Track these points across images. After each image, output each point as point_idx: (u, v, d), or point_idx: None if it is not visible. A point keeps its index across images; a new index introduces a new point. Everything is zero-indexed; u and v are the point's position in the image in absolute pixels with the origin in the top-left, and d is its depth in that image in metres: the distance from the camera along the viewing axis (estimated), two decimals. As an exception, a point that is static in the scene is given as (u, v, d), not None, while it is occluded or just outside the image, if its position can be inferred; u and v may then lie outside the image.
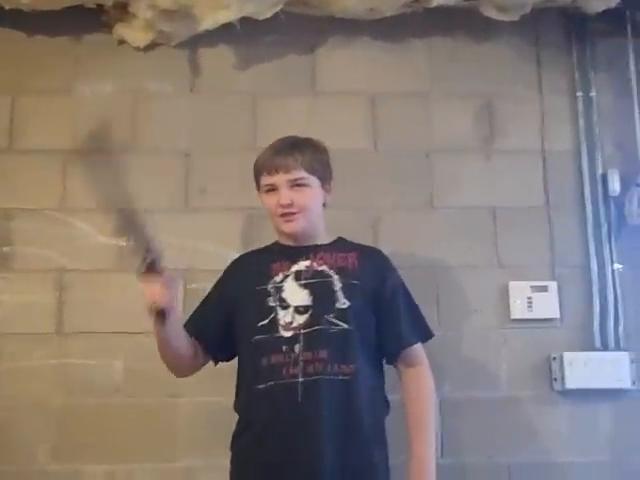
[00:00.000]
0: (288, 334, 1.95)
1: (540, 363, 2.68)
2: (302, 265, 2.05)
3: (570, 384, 2.60)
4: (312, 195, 2.07)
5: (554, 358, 2.65)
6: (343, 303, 1.99)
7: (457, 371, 2.66)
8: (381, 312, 2.04)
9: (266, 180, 2.08)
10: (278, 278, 2.03)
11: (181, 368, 2.10)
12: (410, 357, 2.07)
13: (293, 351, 1.93)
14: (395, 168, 2.83)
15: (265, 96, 2.87)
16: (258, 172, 2.12)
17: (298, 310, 1.97)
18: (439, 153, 2.86)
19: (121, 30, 2.83)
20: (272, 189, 2.06)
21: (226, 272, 2.20)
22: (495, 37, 2.95)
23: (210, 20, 2.71)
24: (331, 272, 2.03)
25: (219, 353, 2.13)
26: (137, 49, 2.85)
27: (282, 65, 2.90)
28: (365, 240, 2.59)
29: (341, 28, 2.90)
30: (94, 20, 2.82)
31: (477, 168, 2.86)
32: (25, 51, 2.84)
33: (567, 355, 2.62)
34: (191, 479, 2.52)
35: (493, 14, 2.83)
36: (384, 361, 2.11)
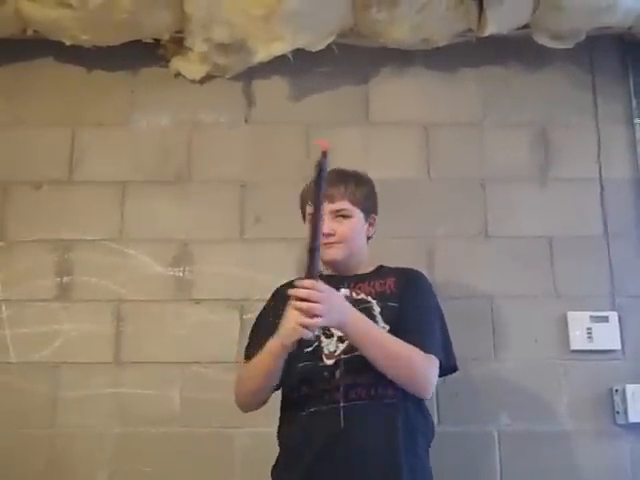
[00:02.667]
0: (330, 362, 1.95)
1: (601, 396, 2.62)
2: (342, 294, 2.03)
3: (633, 417, 2.54)
4: (354, 226, 2.09)
5: (616, 390, 2.59)
6: (382, 327, 1.97)
7: (515, 403, 2.62)
8: (407, 313, 2.00)
9: (310, 210, 2.04)
10: None
11: (258, 400, 2.05)
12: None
13: (334, 377, 1.93)
14: (449, 197, 2.82)
15: (319, 126, 2.88)
16: (304, 202, 2.14)
17: (341, 339, 1.96)
18: (493, 182, 2.84)
19: (177, 63, 2.89)
20: None
21: (272, 301, 2.18)
22: (549, 65, 2.93)
23: (264, 52, 2.75)
24: (369, 298, 2.03)
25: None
26: (193, 81, 2.90)
27: (335, 96, 2.92)
28: (420, 269, 2.59)
29: (394, 58, 2.92)
30: (151, 54, 2.89)
31: (532, 197, 2.83)
32: (84, 85, 2.91)
33: (630, 387, 2.56)
34: (247, 509, 2.53)
35: (547, 42, 2.82)
36: None
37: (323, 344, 1.97)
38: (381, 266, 2.16)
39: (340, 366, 1.93)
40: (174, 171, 2.84)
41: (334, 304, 1.82)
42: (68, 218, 2.78)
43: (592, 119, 2.90)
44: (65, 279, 2.72)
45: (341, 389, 1.91)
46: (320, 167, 1.77)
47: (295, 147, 2.86)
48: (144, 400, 2.61)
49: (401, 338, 1.92)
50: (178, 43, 2.84)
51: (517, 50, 2.91)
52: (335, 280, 2.06)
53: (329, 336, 1.98)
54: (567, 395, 2.62)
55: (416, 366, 1.91)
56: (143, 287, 2.71)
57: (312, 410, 1.92)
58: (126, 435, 2.59)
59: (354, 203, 2.09)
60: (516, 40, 2.85)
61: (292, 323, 1.78)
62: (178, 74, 2.90)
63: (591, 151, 2.87)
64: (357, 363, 1.93)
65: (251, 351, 2.05)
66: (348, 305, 1.89)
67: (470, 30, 2.80)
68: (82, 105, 2.89)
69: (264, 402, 2.05)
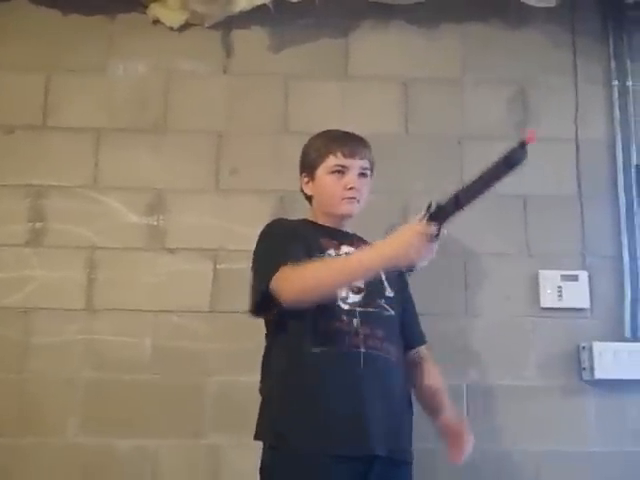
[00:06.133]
0: (345, 307, 1.98)
1: (569, 353, 2.66)
2: (349, 249, 2.08)
3: (599, 374, 2.57)
4: (369, 187, 2.16)
5: (583, 348, 2.63)
6: (390, 292, 2.07)
7: (485, 358, 2.65)
8: (406, 308, 2.16)
9: (338, 161, 2.09)
10: (331, 252, 2.05)
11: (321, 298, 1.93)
12: (425, 352, 2.21)
13: (352, 323, 1.95)
14: (426, 153, 2.82)
15: (298, 79, 2.87)
16: (327, 151, 2.11)
17: (352, 289, 1.99)
18: (471, 139, 2.84)
19: (155, 10, 2.84)
20: (340, 171, 2.09)
21: (286, 226, 2.12)
22: (530, 24, 2.92)
23: (245, 1, 2.72)
24: None
25: None
26: (171, 29, 2.86)
27: (315, 48, 2.89)
28: (394, 224, 2.60)
29: (375, 12, 2.89)
30: (129, -1, 2.84)
31: (509, 155, 2.83)
32: (60, 29, 2.86)
33: (597, 345, 2.59)
34: (217, 456, 2.54)
35: (529, 0, 2.80)
36: None
37: None
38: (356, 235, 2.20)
39: (356, 316, 1.97)
40: (150, 120, 2.81)
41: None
42: (41, 164, 2.74)
43: (571, 80, 2.90)
44: (37, 225, 2.69)
45: (361, 336, 1.94)
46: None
47: (273, 99, 2.84)
48: (116, 347, 2.61)
49: (416, 328, 2.20)
50: (157, -12, 2.81)
51: (499, 7, 2.89)
52: (338, 234, 2.11)
53: None
54: (535, 351, 2.66)
55: None
56: (117, 235, 2.69)
57: (332, 349, 1.93)
58: (97, 381, 2.59)
59: (371, 164, 2.15)
60: (498, -3, 2.84)
61: (414, 247, 1.73)
62: (156, 21, 2.85)
63: (568, 112, 2.87)
64: (373, 318, 1.99)
65: (294, 255, 1.94)
66: None
67: (453, -15, 2.79)
68: (58, 49, 2.84)
69: None
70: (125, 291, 2.65)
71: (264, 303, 1.95)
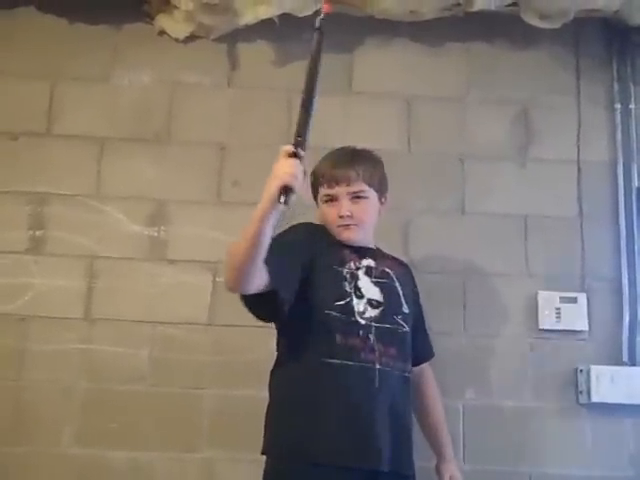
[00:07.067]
0: (362, 322, 1.99)
1: (566, 375, 2.66)
2: (370, 262, 2.11)
3: (596, 398, 2.57)
4: (370, 207, 2.14)
5: (581, 371, 2.63)
6: (406, 308, 2.11)
7: (482, 378, 2.65)
8: (416, 322, 2.18)
9: (326, 191, 2.12)
10: (352, 266, 2.07)
11: (247, 276, 1.79)
12: (429, 369, 2.33)
13: (368, 339, 1.98)
14: (428, 171, 2.83)
15: (301, 93, 2.85)
16: (317, 182, 2.15)
17: (371, 303, 2.03)
18: (473, 159, 2.85)
19: (162, 21, 2.85)
20: (331, 200, 2.11)
21: (302, 231, 2.09)
22: (535, 45, 2.93)
23: (250, 15, 2.72)
24: (394, 277, 2.13)
25: (288, 297, 1.90)
26: (176, 41, 2.86)
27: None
28: (395, 242, 2.63)
29: (380, 29, 2.90)
30: (135, 10, 2.85)
31: (511, 176, 2.84)
32: (66, 38, 2.86)
33: (594, 368, 2.60)
34: (211, 470, 2.53)
35: (534, 21, 2.81)
36: None
37: (354, 302, 2.01)
38: (378, 247, 2.22)
39: (372, 331, 1.99)
40: (154, 130, 2.81)
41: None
42: (44, 171, 2.74)
43: (574, 101, 2.91)
44: (38, 232, 2.69)
45: (376, 353, 1.97)
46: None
47: (277, 113, 2.83)
48: (113, 357, 2.60)
49: (426, 341, 2.32)
50: (163, 0, 2.80)
51: (504, 28, 2.90)
52: (359, 249, 2.12)
53: (359, 297, 2.02)
54: (533, 373, 2.66)
55: None
56: (117, 245, 2.69)
57: (347, 363, 1.94)
58: (94, 391, 2.58)
59: (369, 184, 2.13)
60: (504, 17, 2.84)
61: (280, 171, 1.73)
62: (162, 32, 2.86)
63: (571, 133, 2.88)
64: (388, 334, 2.02)
65: (275, 264, 1.84)
66: None
67: (458, 4, 2.78)
68: (63, 58, 2.85)
69: (255, 282, 1.79)
70: (124, 301, 2.65)
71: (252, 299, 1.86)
